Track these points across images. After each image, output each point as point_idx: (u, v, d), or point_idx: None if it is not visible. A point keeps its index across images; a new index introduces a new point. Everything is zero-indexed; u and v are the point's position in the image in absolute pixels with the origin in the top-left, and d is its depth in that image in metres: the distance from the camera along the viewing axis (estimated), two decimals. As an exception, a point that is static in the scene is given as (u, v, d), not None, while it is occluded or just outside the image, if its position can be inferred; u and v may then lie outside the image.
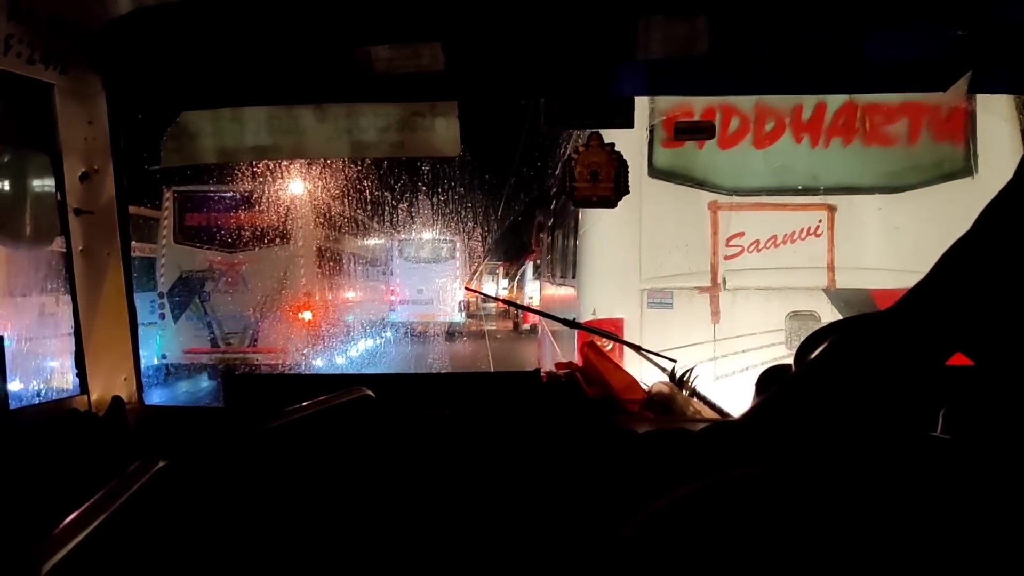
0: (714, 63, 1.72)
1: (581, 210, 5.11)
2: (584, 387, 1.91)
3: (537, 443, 1.54)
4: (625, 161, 2.12)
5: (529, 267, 17.97)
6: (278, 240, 10.52)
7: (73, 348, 1.84)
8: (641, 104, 4.21)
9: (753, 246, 4.51)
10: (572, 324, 3.02)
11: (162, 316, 10.39)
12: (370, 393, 1.47)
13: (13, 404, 1.60)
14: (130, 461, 1.07)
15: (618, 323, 4.38)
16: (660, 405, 1.92)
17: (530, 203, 10.69)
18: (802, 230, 4.50)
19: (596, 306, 4.58)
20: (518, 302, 18.08)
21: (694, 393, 2.07)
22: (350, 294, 14.31)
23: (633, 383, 1.96)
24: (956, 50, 1.73)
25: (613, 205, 2.16)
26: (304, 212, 10.74)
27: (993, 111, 4.37)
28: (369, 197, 13.68)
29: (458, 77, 1.82)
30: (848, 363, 0.81)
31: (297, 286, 10.52)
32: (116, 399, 1.84)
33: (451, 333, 16.60)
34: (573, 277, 5.29)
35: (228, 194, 10.38)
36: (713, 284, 4.51)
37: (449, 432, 1.63)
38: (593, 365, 1.96)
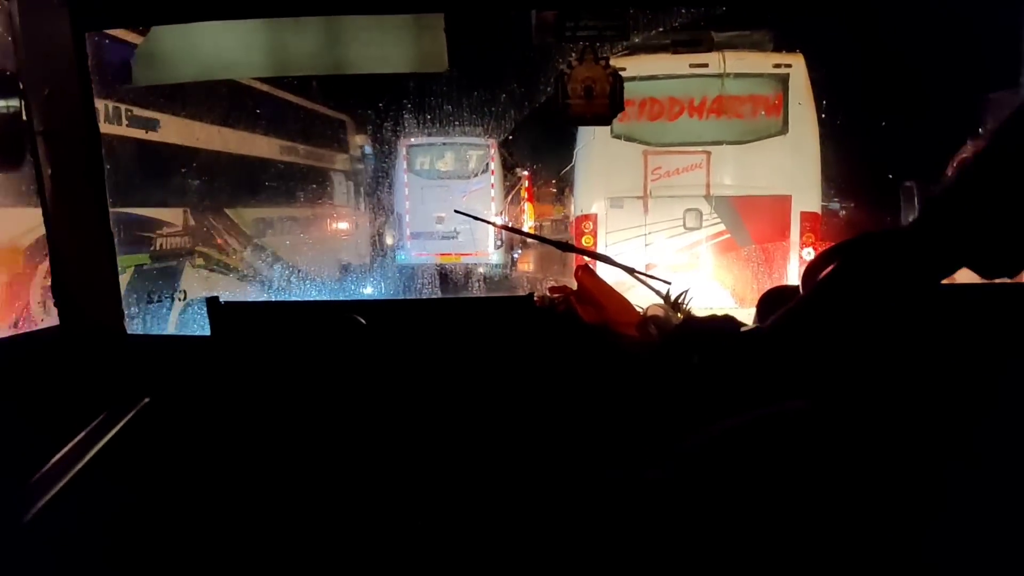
0: None
1: (576, 148, 8.64)
2: (579, 310, 1.81)
3: (532, 368, 1.51)
4: (620, 76, 2.08)
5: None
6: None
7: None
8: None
9: (666, 174, 7.81)
10: (565, 247, 3.34)
11: None
12: (361, 320, 1.43)
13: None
14: (113, 394, 1.04)
15: (593, 216, 7.99)
16: (655, 327, 1.81)
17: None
18: (692, 165, 7.76)
19: (582, 207, 8.28)
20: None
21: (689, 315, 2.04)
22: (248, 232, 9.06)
23: (627, 305, 1.89)
24: None
25: (608, 122, 2.09)
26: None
27: (798, 97, 7.93)
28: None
29: None
30: (858, 280, 0.84)
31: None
32: (97, 328, 1.70)
33: (483, 279, 11.52)
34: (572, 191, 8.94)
35: None
36: (644, 195, 7.85)
37: (441, 355, 1.58)
38: (587, 288, 1.87)
